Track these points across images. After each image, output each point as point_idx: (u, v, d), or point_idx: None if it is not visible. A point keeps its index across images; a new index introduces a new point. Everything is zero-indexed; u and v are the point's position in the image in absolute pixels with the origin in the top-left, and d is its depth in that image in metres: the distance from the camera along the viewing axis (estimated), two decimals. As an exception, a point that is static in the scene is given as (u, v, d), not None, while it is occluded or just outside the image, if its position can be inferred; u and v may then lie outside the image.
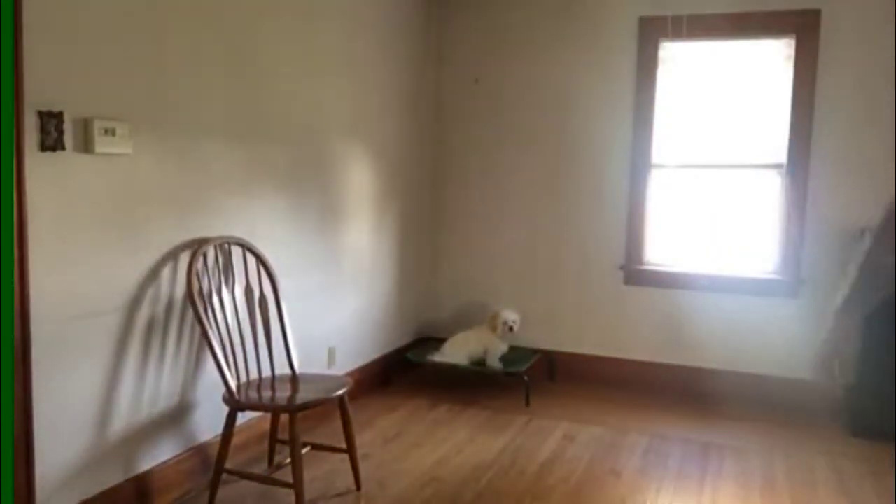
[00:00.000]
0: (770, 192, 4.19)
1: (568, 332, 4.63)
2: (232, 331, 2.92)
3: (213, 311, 2.85)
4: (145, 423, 2.75)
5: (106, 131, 2.44)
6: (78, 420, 2.47)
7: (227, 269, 3.03)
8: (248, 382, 2.93)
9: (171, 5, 2.72)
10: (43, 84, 2.23)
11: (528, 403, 4.10)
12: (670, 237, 4.42)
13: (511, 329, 4.35)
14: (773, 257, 4.22)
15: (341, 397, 2.88)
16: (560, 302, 4.64)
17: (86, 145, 2.39)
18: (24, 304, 2.21)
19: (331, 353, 3.87)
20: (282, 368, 3.10)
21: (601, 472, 3.26)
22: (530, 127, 4.61)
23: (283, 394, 2.82)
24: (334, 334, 3.90)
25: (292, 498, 2.70)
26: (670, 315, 4.39)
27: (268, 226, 3.31)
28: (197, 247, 2.84)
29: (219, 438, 2.80)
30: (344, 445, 3.02)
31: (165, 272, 2.77)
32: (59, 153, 2.30)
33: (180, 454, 2.92)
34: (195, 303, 2.72)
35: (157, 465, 2.80)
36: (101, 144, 2.43)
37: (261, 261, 3.10)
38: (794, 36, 4.05)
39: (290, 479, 2.68)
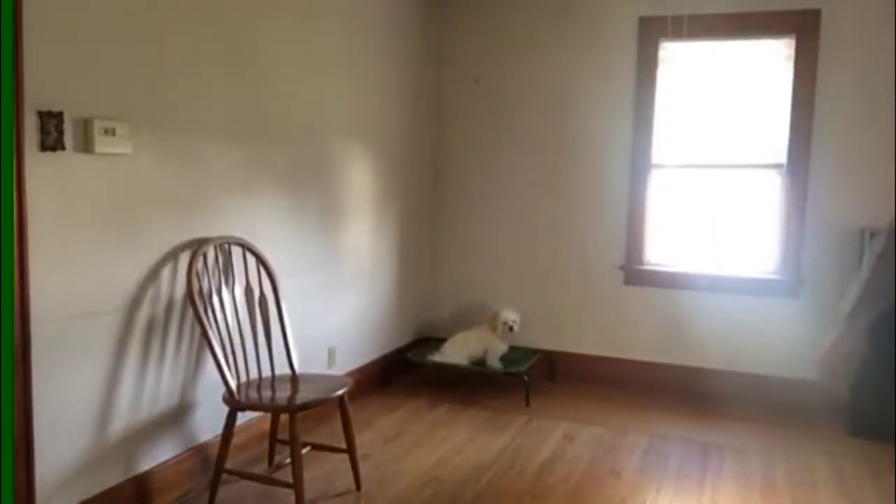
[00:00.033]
0: (770, 192, 4.19)
1: (568, 332, 4.63)
2: (232, 331, 2.92)
3: (213, 311, 2.85)
4: (145, 423, 2.75)
5: (106, 131, 2.44)
6: (78, 420, 2.47)
7: (227, 269, 3.03)
8: (248, 382, 2.93)
9: (171, 5, 2.72)
10: (43, 84, 2.23)
11: (528, 403, 4.10)
12: (670, 237, 4.42)
13: (511, 329, 4.35)
14: (773, 257, 4.22)
15: (341, 397, 2.88)
16: (560, 302, 4.64)
17: (86, 145, 2.39)
18: (24, 304, 2.21)
19: (331, 353, 3.87)
20: (282, 368, 3.10)
21: (601, 472, 3.26)
22: (530, 127, 4.61)
23: (283, 394, 2.82)
24: (334, 334, 3.90)
25: (292, 498, 2.70)
26: (670, 315, 4.39)
27: (268, 226, 3.31)
28: (197, 247, 2.84)
29: (219, 438, 2.80)
30: (344, 445, 3.02)
31: (165, 272, 2.77)
32: (59, 153, 2.30)
33: (180, 454, 2.92)
34: (195, 303, 2.72)
35: (157, 465, 2.80)
36: (101, 144, 2.43)
37: (261, 261, 3.10)
38: (794, 36, 4.05)
39: (290, 479, 2.68)
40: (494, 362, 4.33)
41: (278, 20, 3.30)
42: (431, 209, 4.90)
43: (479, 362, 4.36)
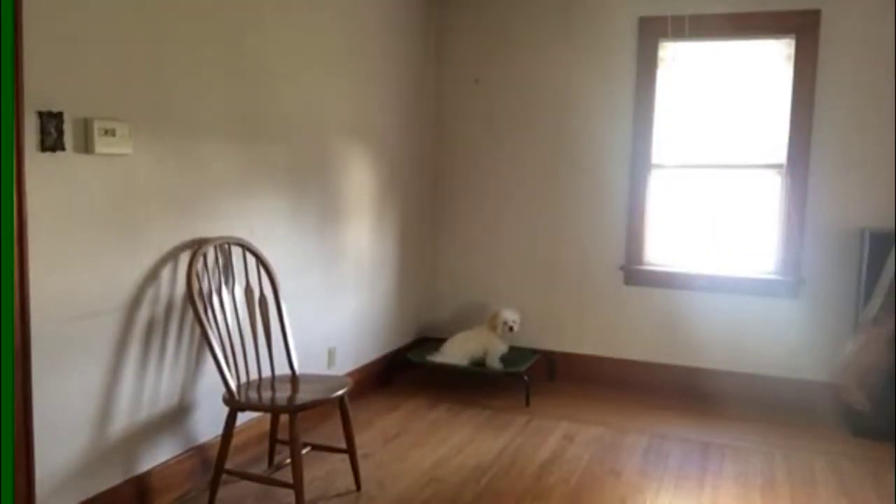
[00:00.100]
0: (770, 192, 4.19)
1: (568, 332, 4.63)
2: (232, 331, 2.92)
3: (213, 311, 2.85)
4: (145, 424, 2.75)
5: (106, 131, 2.44)
6: (78, 420, 2.47)
7: (227, 269, 3.03)
8: (248, 383, 2.93)
9: (171, 5, 2.72)
10: (43, 84, 2.23)
11: (528, 403, 4.10)
12: (670, 237, 4.42)
13: (511, 329, 4.35)
14: (773, 257, 4.21)
15: (341, 397, 2.88)
16: (560, 302, 4.64)
17: (86, 145, 2.39)
18: (24, 304, 2.21)
19: (331, 353, 3.87)
20: (282, 369, 3.10)
21: (601, 472, 3.26)
22: (530, 127, 4.61)
23: (283, 394, 2.82)
24: (334, 334, 3.90)
25: (292, 498, 2.70)
26: (670, 315, 4.39)
27: (268, 226, 3.31)
28: (197, 247, 2.84)
29: (219, 438, 2.80)
30: (344, 445, 3.02)
31: (165, 272, 2.77)
32: (59, 153, 2.30)
33: (180, 454, 2.92)
34: (195, 303, 2.72)
35: (157, 466, 2.80)
36: (101, 145, 2.43)
37: (261, 261, 3.10)
38: (794, 36, 4.05)
39: (290, 479, 2.68)
40: (494, 362, 4.33)
41: (278, 20, 3.30)
42: (431, 209, 4.90)
43: (479, 362, 4.36)
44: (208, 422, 3.02)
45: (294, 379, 3.01)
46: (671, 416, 3.97)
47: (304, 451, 2.91)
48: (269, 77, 3.27)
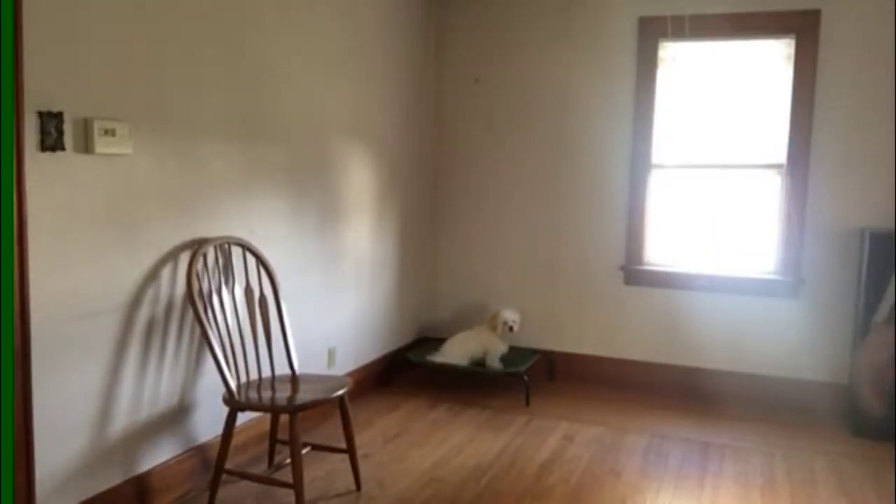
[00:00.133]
0: (770, 192, 4.19)
1: (568, 332, 4.63)
2: (232, 331, 2.92)
3: (213, 311, 2.85)
4: (145, 423, 2.74)
5: (106, 131, 2.44)
6: (78, 420, 2.47)
7: (227, 269, 3.03)
8: (248, 383, 2.93)
9: (171, 5, 2.72)
10: (43, 84, 2.23)
11: (528, 403, 4.10)
12: (670, 237, 4.42)
13: (511, 329, 4.35)
14: (773, 257, 4.21)
15: (341, 397, 2.88)
16: (560, 302, 4.64)
17: (86, 145, 2.39)
18: (24, 304, 2.21)
19: (331, 353, 3.87)
20: (282, 369, 3.10)
21: (601, 472, 3.26)
22: (530, 127, 4.60)
23: (283, 394, 2.82)
24: (334, 334, 3.90)
25: (292, 498, 2.70)
26: (670, 315, 4.39)
27: (268, 226, 3.31)
28: (197, 247, 2.84)
29: (219, 438, 2.80)
30: (344, 445, 3.02)
31: (165, 272, 2.77)
32: (59, 153, 2.30)
33: (180, 454, 2.92)
34: (195, 303, 2.72)
35: (157, 466, 2.80)
36: (101, 145, 2.43)
37: (261, 261, 3.10)
38: (794, 36, 4.05)
39: (290, 479, 2.68)
40: (494, 362, 4.33)
41: (278, 20, 3.30)
42: (431, 209, 4.90)
43: (479, 362, 4.36)
44: (208, 422, 3.02)
45: (294, 379, 3.01)
46: (671, 416, 3.97)
47: (304, 451, 2.91)
48: (269, 77, 3.27)
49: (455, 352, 4.36)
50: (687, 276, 4.33)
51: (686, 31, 4.17)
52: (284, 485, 2.72)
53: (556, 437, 3.66)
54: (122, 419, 2.64)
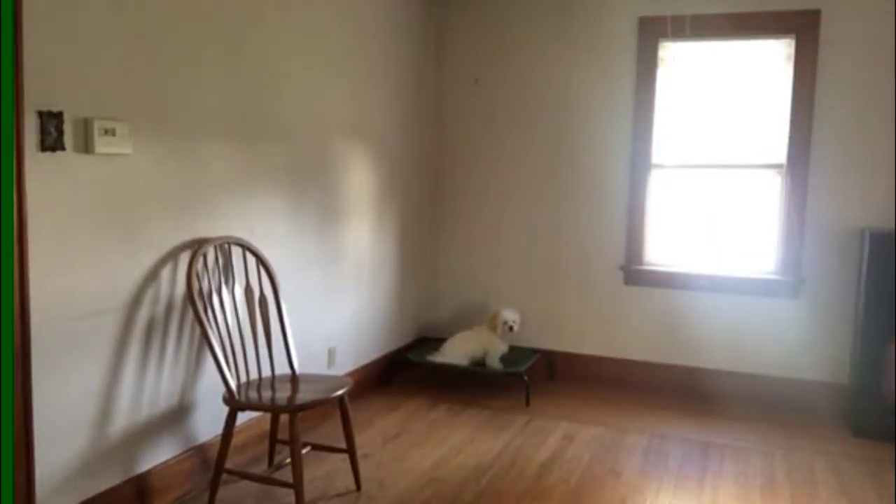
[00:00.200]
0: (770, 192, 4.19)
1: (568, 332, 4.63)
2: (232, 331, 2.92)
3: (213, 311, 2.85)
4: (145, 423, 2.75)
5: (106, 131, 2.44)
6: (78, 420, 2.47)
7: (227, 269, 3.03)
8: (248, 382, 2.93)
9: (171, 5, 2.72)
10: (43, 84, 2.23)
11: (528, 403, 4.10)
12: (670, 237, 4.42)
13: (511, 329, 4.35)
14: (773, 257, 4.21)
15: (341, 397, 2.88)
16: (560, 302, 4.64)
17: (86, 145, 2.39)
18: (24, 304, 2.21)
19: (331, 353, 3.87)
20: (282, 368, 3.11)
21: (601, 472, 3.26)
22: (530, 127, 4.61)
23: (283, 394, 2.82)
24: (334, 334, 3.90)
25: (292, 498, 2.70)
26: (670, 315, 4.39)
27: (268, 226, 3.31)
28: (197, 247, 2.84)
29: (219, 438, 2.80)
30: (344, 445, 3.02)
31: (165, 272, 2.77)
32: (59, 153, 2.30)
33: (180, 454, 2.92)
34: (195, 303, 2.72)
35: (157, 466, 2.80)
36: (101, 144, 2.43)
37: (261, 261, 3.10)
38: (794, 36, 4.05)
39: (290, 479, 2.68)
40: (494, 362, 4.33)
41: (278, 20, 3.30)
42: (431, 209, 4.90)
43: (479, 362, 4.36)
44: (208, 422, 3.02)
45: (294, 379, 3.01)
46: (671, 416, 3.97)
47: (304, 451, 2.91)
48: (269, 77, 3.27)
49: (455, 352, 4.36)
50: (687, 276, 4.33)
51: (686, 31, 4.17)
52: (284, 485, 2.72)
53: (556, 437, 3.66)
54: (122, 419, 2.64)
